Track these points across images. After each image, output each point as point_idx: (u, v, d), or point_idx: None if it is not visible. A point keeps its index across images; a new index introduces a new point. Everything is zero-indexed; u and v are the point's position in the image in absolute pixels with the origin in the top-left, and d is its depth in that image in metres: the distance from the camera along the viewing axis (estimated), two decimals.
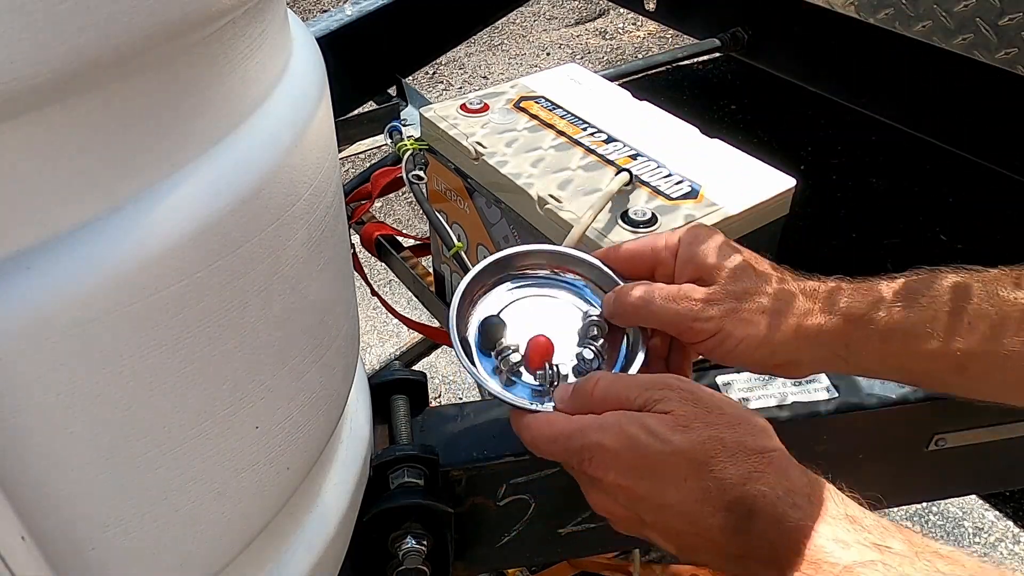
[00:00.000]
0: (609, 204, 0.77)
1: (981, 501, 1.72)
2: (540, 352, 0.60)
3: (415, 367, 1.59)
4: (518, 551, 0.75)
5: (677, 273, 0.61)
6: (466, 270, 0.91)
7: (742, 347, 0.57)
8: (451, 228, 0.95)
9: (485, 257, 0.66)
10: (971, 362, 0.54)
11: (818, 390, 0.72)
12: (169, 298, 0.37)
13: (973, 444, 0.76)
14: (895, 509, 1.68)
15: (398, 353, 1.79)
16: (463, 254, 0.93)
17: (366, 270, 1.34)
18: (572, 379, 0.60)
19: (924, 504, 1.69)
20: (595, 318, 0.62)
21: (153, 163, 0.37)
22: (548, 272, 0.66)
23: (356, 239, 1.18)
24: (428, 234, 1.06)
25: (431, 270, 1.09)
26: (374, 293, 1.28)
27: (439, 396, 1.96)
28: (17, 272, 0.33)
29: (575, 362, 0.61)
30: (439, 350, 1.88)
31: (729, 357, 0.58)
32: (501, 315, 0.63)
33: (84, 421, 0.36)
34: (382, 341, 2.10)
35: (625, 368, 0.61)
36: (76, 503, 0.38)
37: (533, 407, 0.57)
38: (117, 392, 0.37)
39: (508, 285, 0.65)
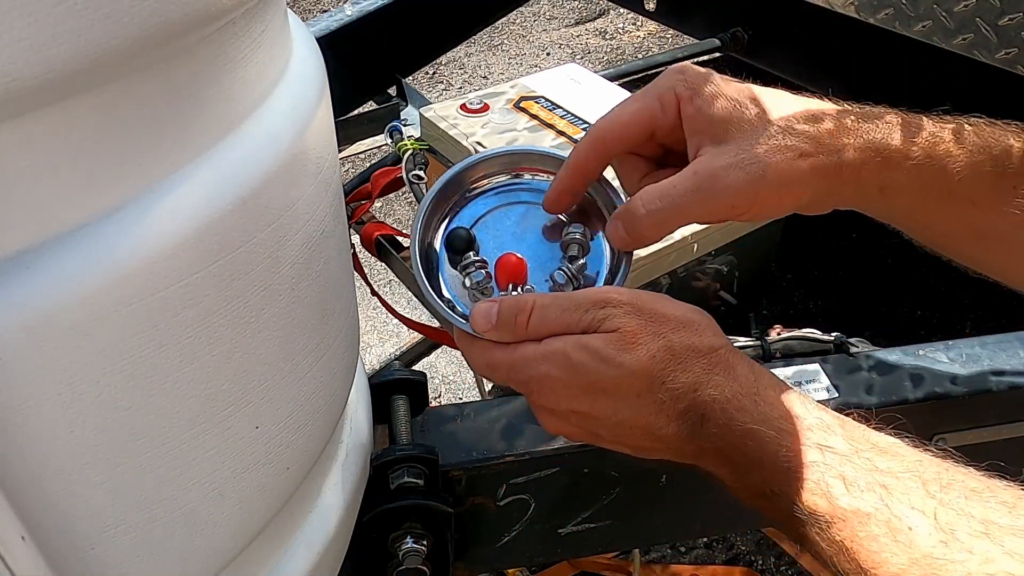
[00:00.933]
0: None
1: None
2: (507, 272, 0.55)
3: (415, 367, 1.58)
4: (518, 551, 0.74)
5: (688, 129, 0.54)
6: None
7: (786, 203, 0.54)
8: None
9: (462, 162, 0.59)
10: (1003, 236, 0.53)
11: (818, 390, 0.72)
12: (169, 298, 0.37)
13: (973, 444, 0.76)
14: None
15: (398, 353, 1.79)
16: None
17: (366, 270, 1.34)
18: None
19: None
20: (576, 236, 0.57)
21: (153, 163, 0.36)
22: (534, 176, 0.60)
23: (356, 239, 1.18)
24: None
25: None
26: (374, 293, 1.28)
27: (439, 396, 1.96)
28: (17, 272, 0.33)
29: (550, 283, 0.56)
30: (439, 350, 1.88)
31: (769, 215, 0.56)
32: (473, 228, 0.57)
33: (84, 421, 0.36)
34: (382, 341, 2.10)
35: (608, 282, 0.56)
36: (76, 503, 0.38)
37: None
38: (117, 392, 0.37)
39: (489, 194, 0.59)
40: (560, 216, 0.58)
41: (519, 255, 0.56)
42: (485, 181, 0.59)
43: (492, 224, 0.58)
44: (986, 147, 0.52)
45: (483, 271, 0.55)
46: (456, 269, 0.56)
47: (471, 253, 0.56)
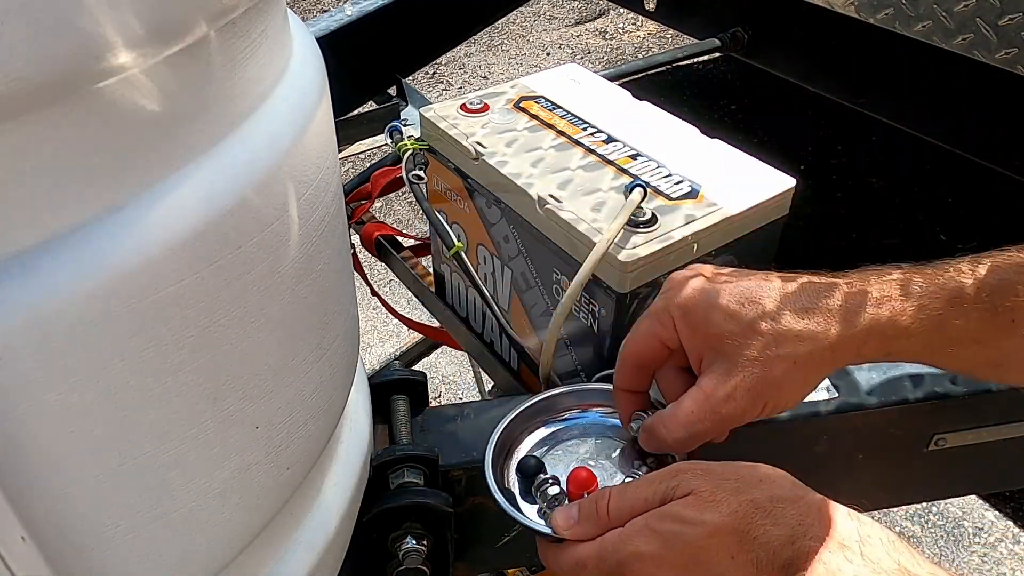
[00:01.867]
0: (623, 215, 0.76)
1: (981, 501, 1.72)
2: (579, 483, 0.57)
3: (415, 367, 1.59)
4: (518, 551, 0.74)
5: (688, 350, 0.57)
6: (466, 270, 0.91)
7: (789, 403, 0.56)
8: (451, 228, 0.95)
9: (518, 402, 0.65)
10: (1013, 360, 0.54)
11: (818, 390, 0.72)
12: (169, 298, 0.37)
13: (973, 444, 0.76)
14: (895, 509, 1.68)
15: (398, 353, 1.79)
16: (463, 254, 0.93)
17: (366, 270, 1.34)
18: None
19: (924, 504, 1.69)
20: (630, 445, 0.61)
21: (153, 163, 0.37)
22: (572, 411, 0.65)
23: (356, 239, 1.18)
24: (428, 234, 1.06)
25: (431, 270, 1.09)
26: (374, 293, 1.28)
27: (439, 396, 1.96)
28: (17, 272, 0.33)
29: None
30: (439, 350, 1.88)
31: (779, 410, 0.56)
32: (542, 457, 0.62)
33: (84, 421, 0.36)
34: (382, 341, 2.10)
35: None
36: (76, 503, 0.38)
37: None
38: (117, 392, 0.37)
39: (539, 431, 0.64)
40: (625, 445, 0.62)
41: (589, 469, 0.59)
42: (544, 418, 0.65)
43: (559, 454, 0.63)
44: (986, 287, 0.53)
45: (556, 487, 0.57)
46: (530, 493, 0.58)
47: (541, 475, 0.58)
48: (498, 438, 0.61)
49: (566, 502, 0.56)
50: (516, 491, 0.59)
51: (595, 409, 0.65)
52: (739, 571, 0.46)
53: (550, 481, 0.57)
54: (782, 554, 0.46)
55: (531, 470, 0.59)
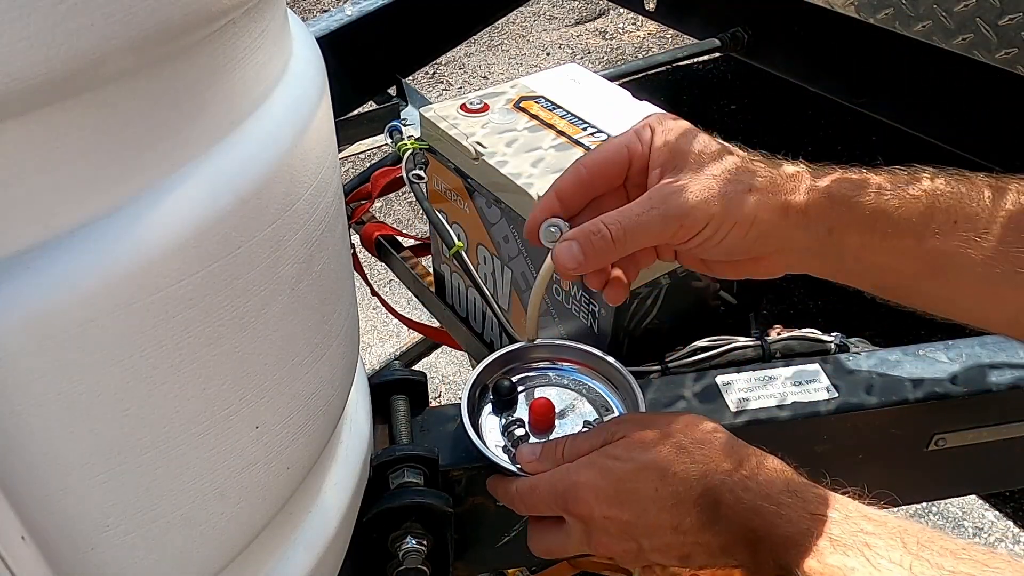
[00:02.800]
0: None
1: (981, 501, 1.72)
2: (539, 410, 0.65)
3: (415, 367, 1.59)
4: (518, 551, 0.74)
5: (652, 160, 0.59)
6: (466, 270, 0.91)
7: (733, 234, 0.56)
8: (451, 228, 0.95)
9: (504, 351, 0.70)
10: (948, 264, 0.54)
11: (818, 390, 0.72)
12: (169, 298, 0.37)
13: (973, 444, 0.76)
14: (894, 509, 1.68)
15: (398, 353, 1.79)
16: (463, 254, 0.93)
17: (366, 270, 1.34)
18: None
19: (924, 504, 1.69)
20: (596, 397, 0.68)
21: (153, 163, 0.37)
22: (544, 363, 0.71)
23: (356, 239, 1.18)
24: (428, 234, 1.06)
25: (431, 270, 1.09)
26: (374, 293, 1.28)
27: (439, 396, 1.96)
28: (17, 272, 0.33)
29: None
30: (439, 350, 1.88)
31: (718, 250, 0.57)
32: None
33: (84, 421, 0.36)
34: (382, 341, 2.10)
35: None
36: (76, 503, 0.38)
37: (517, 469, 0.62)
38: (117, 392, 0.37)
39: (514, 377, 0.70)
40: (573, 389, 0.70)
41: (547, 397, 0.67)
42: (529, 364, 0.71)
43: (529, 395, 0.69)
44: (928, 190, 0.55)
45: (522, 428, 0.66)
46: (500, 413, 0.67)
47: (510, 414, 0.67)
48: (474, 381, 0.67)
49: (531, 439, 0.65)
50: (487, 438, 0.66)
51: (567, 363, 0.71)
52: (662, 502, 0.54)
53: (516, 422, 0.66)
54: (695, 487, 0.53)
55: (505, 390, 0.67)
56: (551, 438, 0.64)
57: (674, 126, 0.59)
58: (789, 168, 0.57)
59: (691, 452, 0.54)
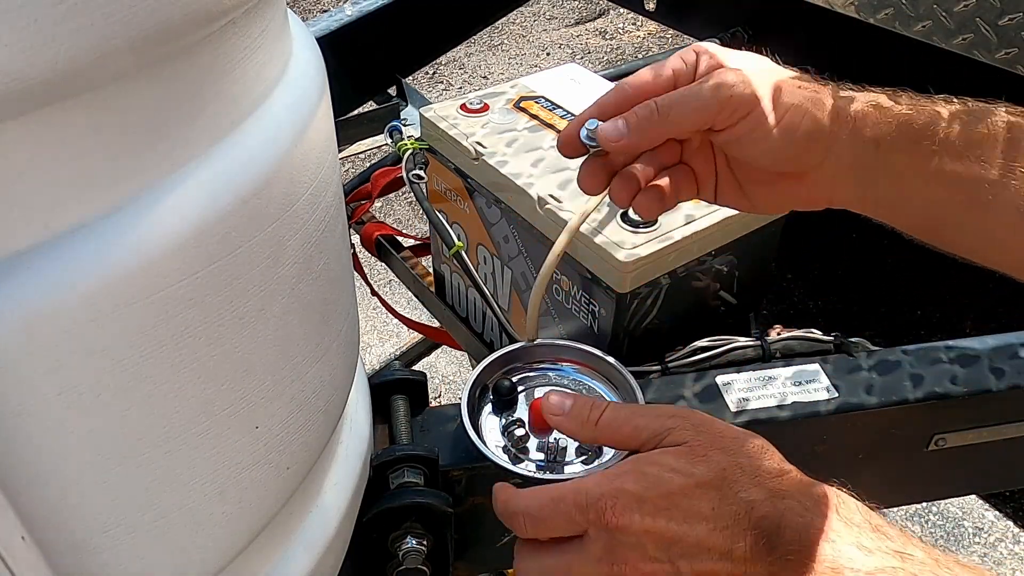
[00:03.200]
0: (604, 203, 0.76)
1: (981, 501, 1.72)
2: (539, 411, 0.61)
3: (415, 367, 1.59)
4: None
5: (700, 74, 0.56)
6: (466, 270, 0.91)
7: (782, 127, 0.54)
8: (451, 228, 0.95)
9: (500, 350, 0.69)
10: (994, 197, 0.51)
11: (818, 390, 0.72)
12: (169, 298, 0.37)
13: (973, 444, 0.76)
14: (894, 509, 1.68)
15: (398, 353, 1.79)
16: (463, 254, 0.93)
17: (366, 270, 1.34)
18: (574, 456, 0.61)
19: (924, 504, 1.69)
20: (596, 397, 0.65)
21: (153, 163, 0.37)
22: (545, 362, 0.70)
23: (356, 239, 1.18)
24: (428, 234, 1.06)
25: (431, 270, 1.09)
26: (374, 293, 1.28)
27: (439, 396, 1.96)
28: (17, 272, 0.33)
29: (576, 443, 0.62)
30: (439, 350, 1.88)
31: (763, 149, 0.55)
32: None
33: (84, 421, 0.36)
34: (382, 341, 2.10)
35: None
36: (76, 503, 0.38)
37: (536, 475, 0.59)
38: (117, 392, 0.37)
39: (514, 376, 0.69)
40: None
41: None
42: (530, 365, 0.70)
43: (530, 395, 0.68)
44: (969, 111, 0.52)
45: (522, 428, 0.63)
46: (500, 413, 0.65)
47: (510, 415, 0.65)
48: (474, 381, 0.66)
49: (531, 440, 0.62)
50: (487, 438, 0.64)
51: (567, 364, 0.69)
52: (716, 524, 0.48)
53: (516, 423, 0.63)
54: (758, 510, 0.47)
55: (505, 390, 0.65)
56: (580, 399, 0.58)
57: (718, 50, 0.57)
58: (843, 88, 0.56)
59: (757, 479, 0.49)
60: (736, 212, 0.78)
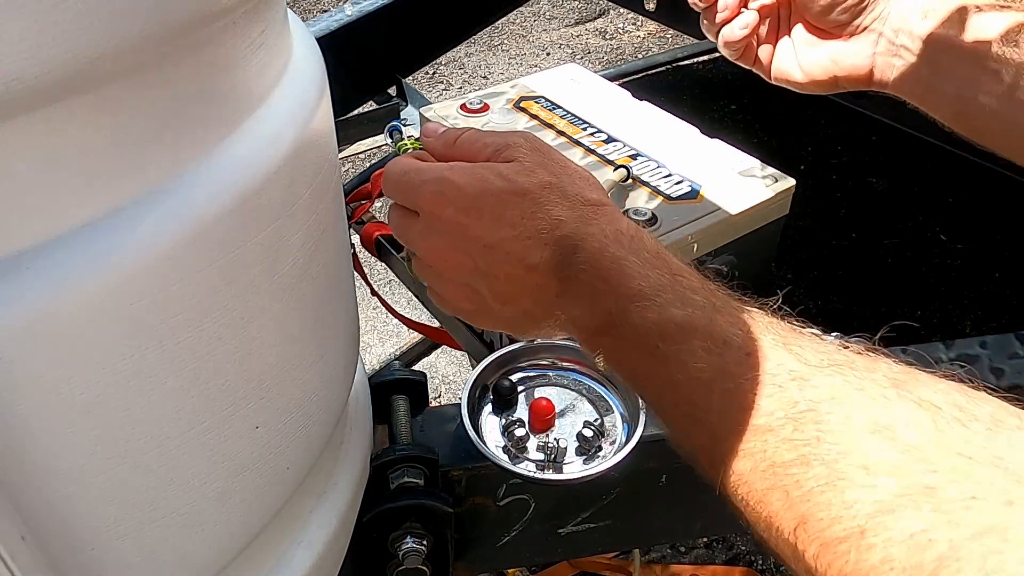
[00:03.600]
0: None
1: None
2: (539, 411, 0.65)
3: (415, 367, 1.59)
4: (518, 551, 0.74)
5: None
6: None
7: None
8: None
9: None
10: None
11: None
12: (169, 298, 0.37)
13: None
14: None
15: (398, 353, 1.79)
16: None
17: (366, 270, 1.34)
18: (573, 455, 0.64)
19: None
20: (596, 397, 0.68)
21: (153, 163, 0.36)
22: (549, 362, 0.71)
23: (356, 239, 1.18)
24: None
25: None
26: (374, 293, 1.28)
27: (439, 396, 1.96)
28: (17, 272, 0.33)
29: (576, 443, 0.65)
30: (439, 350, 1.88)
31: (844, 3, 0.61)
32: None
33: (84, 421, 0.36)
34: (382, 341, 2.10)
35: (628, 440, 0.63)
36: (76, 503, 0.38)
37: (536, 474, 0.62)
38: (117, 392, 0.37)
39: (514, 376, 0.71)
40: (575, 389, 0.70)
41: (548, 398, 0.67)
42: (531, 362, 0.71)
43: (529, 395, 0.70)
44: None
45: (522, 428, 0.65)
46: (500, 413, 0.67)
47: (510, 414, 0.67)
48: (474, 381, 0.68)
49: (531, 440, 0.65)
50: (487, 438, 0.66)
51: (567, 364, 0.71)
52: (520, 232, 0.50)
53: (516, 423, 0.66)
54: (561, 229, 0.50)
55: (505, 390, 0.67)
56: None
57: None
58: None
59: (573, 203, 0.51)
60: (736, 212, 0.78)
